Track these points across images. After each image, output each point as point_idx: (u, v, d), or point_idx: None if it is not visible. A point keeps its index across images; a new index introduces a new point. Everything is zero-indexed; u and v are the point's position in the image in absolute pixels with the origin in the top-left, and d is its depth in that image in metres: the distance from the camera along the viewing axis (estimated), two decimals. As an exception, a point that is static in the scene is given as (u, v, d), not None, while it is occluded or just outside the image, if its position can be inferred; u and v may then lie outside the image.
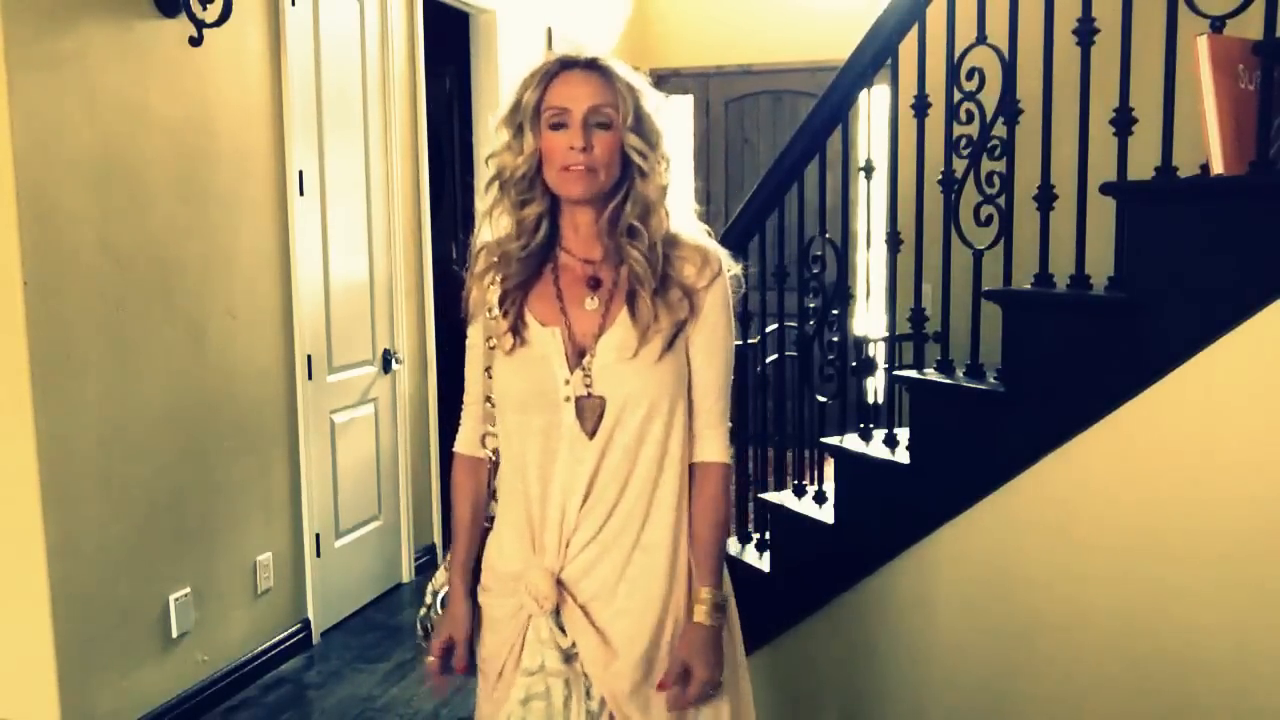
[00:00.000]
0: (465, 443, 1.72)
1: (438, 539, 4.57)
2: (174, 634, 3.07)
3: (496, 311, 1.57)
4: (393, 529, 4.25)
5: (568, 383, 1.53)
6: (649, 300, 1.52)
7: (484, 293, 1.60)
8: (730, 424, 1.64)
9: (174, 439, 3.05)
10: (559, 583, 1.55)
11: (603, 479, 1.54)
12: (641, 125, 1.52)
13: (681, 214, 1.60)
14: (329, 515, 3.81)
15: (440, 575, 1.76)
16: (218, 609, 3.25)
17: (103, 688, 2.83)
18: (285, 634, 3.58)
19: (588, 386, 1.53)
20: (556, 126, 1.50)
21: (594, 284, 1.57)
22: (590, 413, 1.52)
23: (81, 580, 2.74)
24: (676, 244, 1.57)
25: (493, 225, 1.62)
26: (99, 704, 2.81)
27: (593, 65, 1.51)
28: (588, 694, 1.56)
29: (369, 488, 4.08)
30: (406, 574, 4.31)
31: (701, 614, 1.57)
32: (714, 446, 1.60)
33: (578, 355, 1.54)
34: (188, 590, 3.12)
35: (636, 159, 1.51)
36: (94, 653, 2.80)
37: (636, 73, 1.55)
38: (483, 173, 4.86)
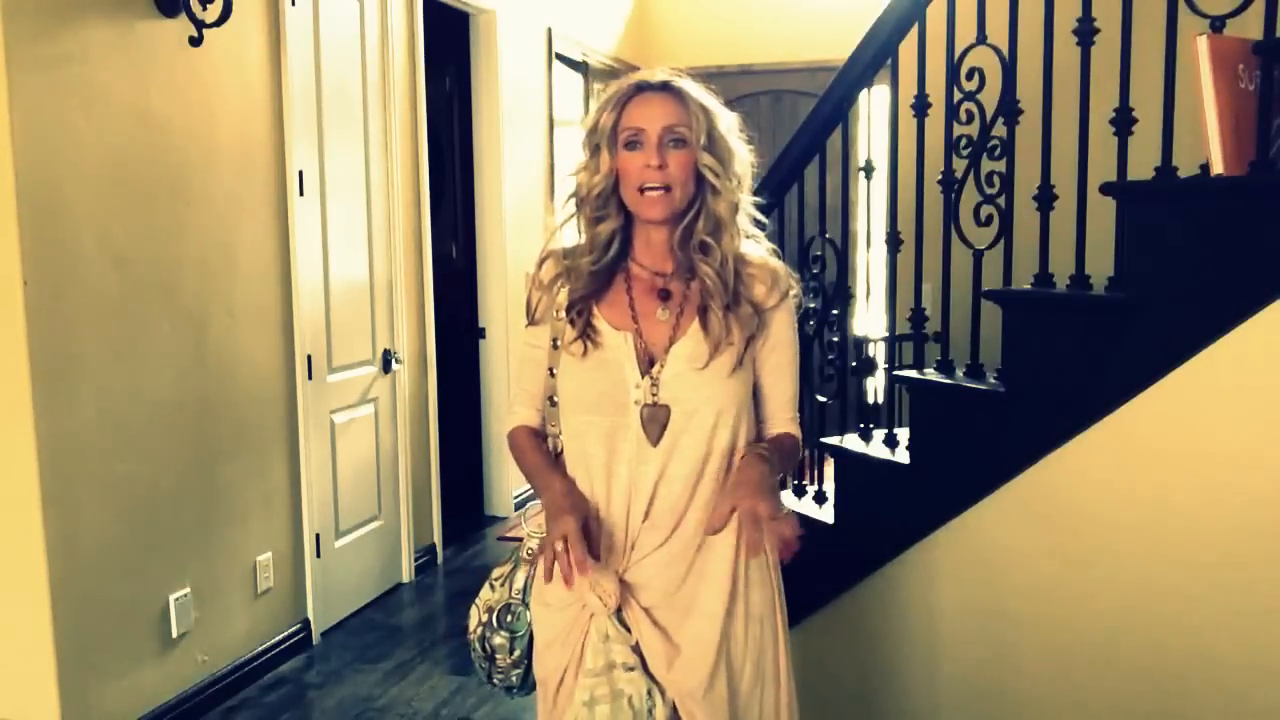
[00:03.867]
0: (525, 418, 1.71)
1: (438, 539, 4.57)
2: (174, 634, 3.07)
3: (564, 315, 1.61)
4: (393, 529, 4.25)
5: (638, 386, 1.56)
6: (721, 315, 1.56)
7: (553, 298, 1.63)
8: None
9: (174, 439, 3.05)
10: (621, 581, 1.57)
11: (668, 485, 1.57)
12: (715, 144, 1.56)
13: (750, 234, 1.65)
14: (329, 515, 3.81)
15: (488, 592, 1.74)
16: (218, 609, 3.25)
17: (103, 688, 2.83)
18: (285, 634, 3.58)
19: (654, 395, 1.56)
20: (632, 145, 1.54)
21: (664, 296, 1.61)
22: (654, 421, 1.56)
23: (81, 580, 2.74)
24: (746, 263, 1.62)
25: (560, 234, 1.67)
26: (99, 704, 2.81)
27: (667, 87, 1.56)
28: (662, 695, 1.57)
29: (369, 488, 4.08)
30: (406, 574, 4.31)
31: (753, 453, 1.57)
32: (790, 429, 1.68)
33: (647, 363, 1.58)
34: (188, 590, 3.12)
35: (710, 177, 1.56)
36: (94, 653, 2.80)
37: (711, 94, 1.59)
38: (482, 173, 4.91)
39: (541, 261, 1.67)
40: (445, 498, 4.61)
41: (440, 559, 4.57)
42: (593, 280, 1.60)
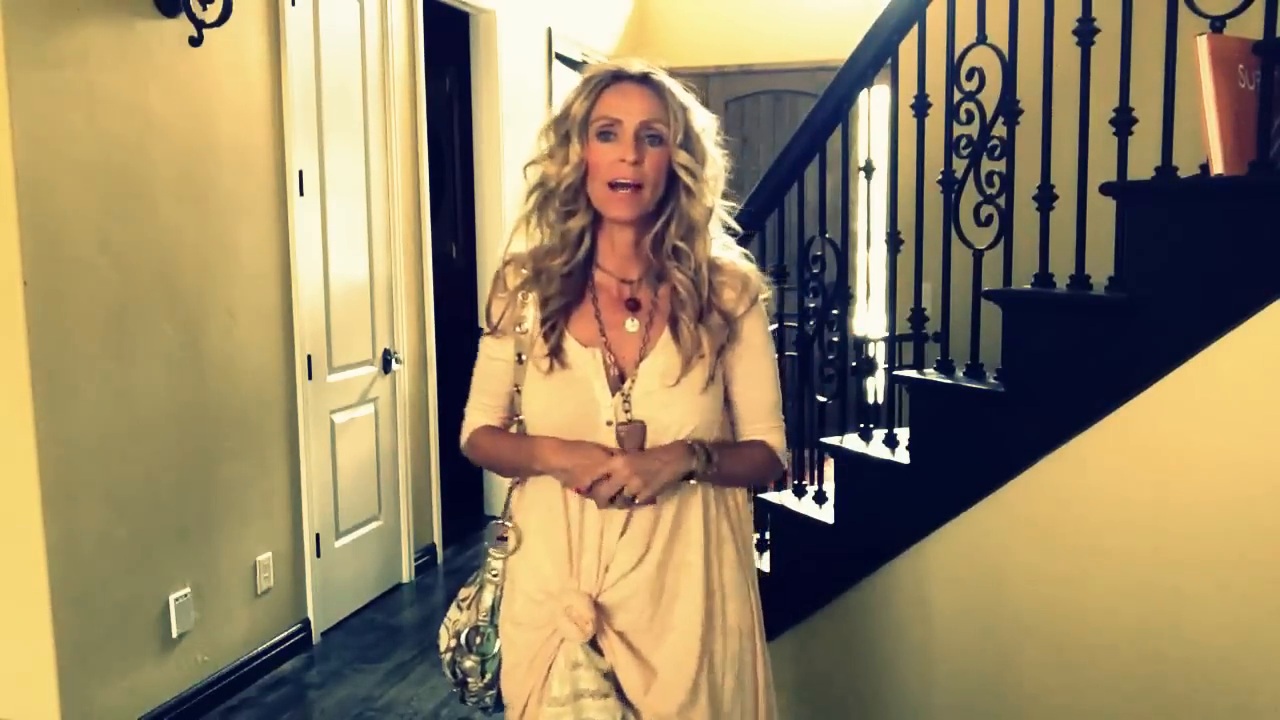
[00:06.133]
0: (483, 421, 1.63)
1: (438, 539, 4.57)
2: (174, 634, 3.07)
3: (532, 329, 1.52)
4: (393, 529, 4.25)
5: (609, 406, 1.49)
6: (692, 326, 1.49)
7: (518, 309, 1.54)
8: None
9: (174, 439, 3.05)
10: (596, 606, 1.50)
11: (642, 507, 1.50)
12: (691, 144, 1.49)
13: (721, 237, 1.58)
14: (329, 515, 3.81)
15: (455, 614, 1.69)
16: (218, 609, 3.25)
17: (103, 688, 2.83)
18: (285, 634, 3.58)
19: (627, 412, 1.49)
20: (606, 136, 1.47)
21: (633, 305, 1.53)
22: (631, 438, 1.48)
23: (81, 580, 2.74)
24: (717, 268, 1.55)
25: (528, 236, 1.57)
26: (99, 704, 2.81)
27: (645, 80, 1.49)
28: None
29: (369, 488, 4.08)
30: (406, 574, 4.31)
31: (686, 442, 1.48)
32: (767, 438, 1.60)
33: (617, 379, 1.50)
34: (188, 590, 3.12)
35: (685, 178, 1.49)
36: (94, 653, 2.80)
37: (688, 91, 1.53)
38: (482, 173, 4.88)
39: (505, 266, 1.57)
40: (445, 498, 4.61)
41: (440, 559, 4.57)
42: (565, 285, 1.52)
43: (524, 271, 1.55)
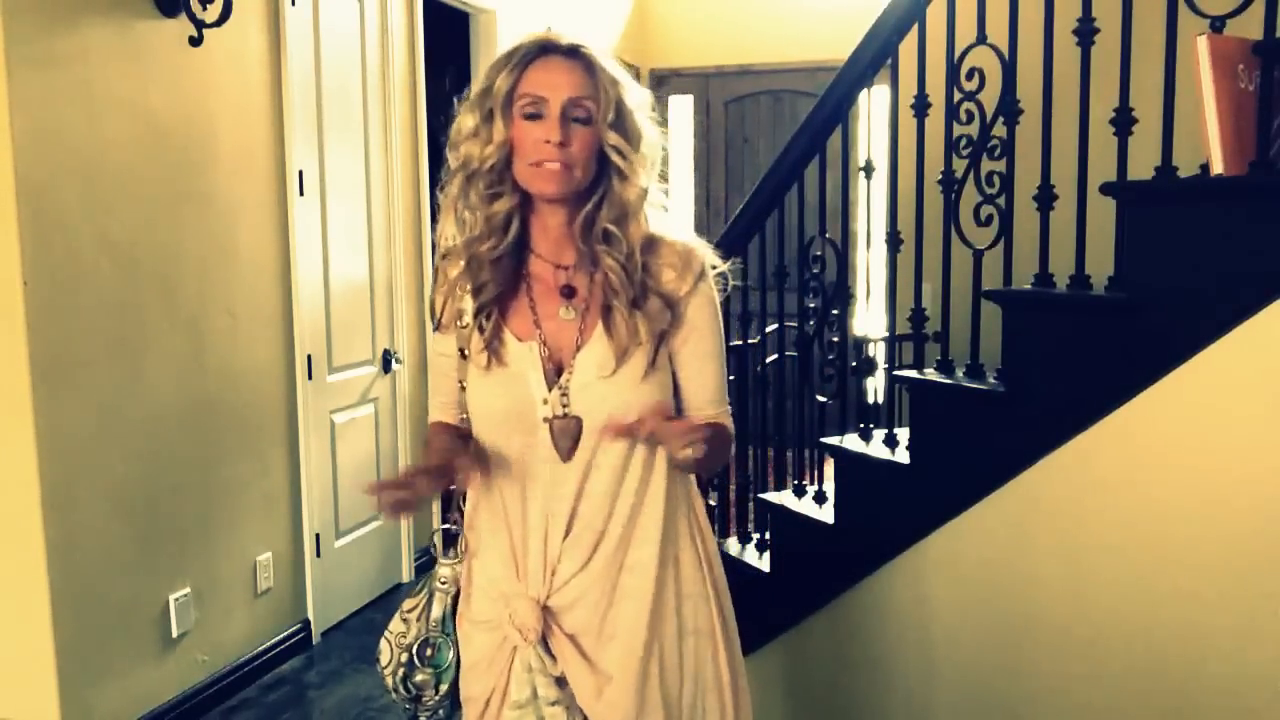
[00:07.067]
0: (439, 417, 1.61)
1: (437, 540, 4.56)
2: (174, 634, 3.07)
3: (469, 322, 1.47)
4: (393, 529, 4.24)
5: (545, 402, 1.44)
6: (625, 315, 1.42)
7: (457, 301, 1.49)
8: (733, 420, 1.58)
9: (174, 439, 3.05)
10: (545, 609, 1.46)
11: (587, 503, 1.45)
12: (623, 123, 1.41)
13: (662, 214, 1.50)
14: (329, 515, 3.81)
15: (399, 626, 1.63)
16: (218, 609, 3.25)
17: (103, 688, 2.83)
18: (285, 634, 3.58)
19: (564, 406, 1.43)
20: (531, 116, 1.39)
21: (568, 292, 1.47)
22: (564, 434, 1.43)
23: (81, 580, 2.74)
24: (656, 248, 1.47)
25: (457, 223, 1.50)
26: (99, 704, 2.81)
27: (574, 53, 1.41)
28: None
29: (369, 488, 4.08)
30: (406, 574, 4.31)
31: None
32: (720, 420, 1.53)
33: (555, 372, 1.45)
34: (188, 590, 3.12)
35: (616, 159, 1.41)
36: (94, 653, 2.80)
37: (621, 67, 1.45)
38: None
39: (442, 260, 1.51)
40: (445, 498, 4.59)
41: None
42: (496, 272, 1.44)
43: (461, 263, 1.49)
